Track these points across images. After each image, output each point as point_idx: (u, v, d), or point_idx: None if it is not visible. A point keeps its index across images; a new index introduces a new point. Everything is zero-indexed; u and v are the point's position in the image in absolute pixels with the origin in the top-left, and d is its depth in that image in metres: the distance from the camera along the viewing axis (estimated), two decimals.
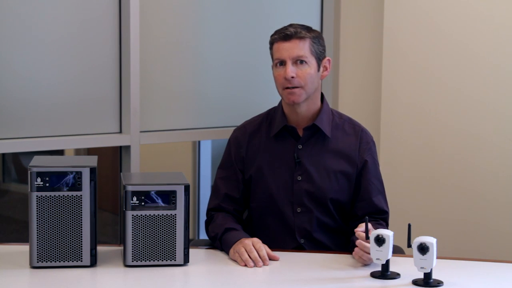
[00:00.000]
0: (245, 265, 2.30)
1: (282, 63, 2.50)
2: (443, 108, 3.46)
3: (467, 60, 3.38)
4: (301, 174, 2.55)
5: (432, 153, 3.52)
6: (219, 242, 2.47)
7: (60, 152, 4.81)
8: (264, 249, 2.34)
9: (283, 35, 2.50)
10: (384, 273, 2.21)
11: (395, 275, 2.22)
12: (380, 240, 2.17)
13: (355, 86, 3.82)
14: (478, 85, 3.36)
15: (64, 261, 2.25)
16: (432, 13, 3.48)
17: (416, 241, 2.14)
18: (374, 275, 2.22)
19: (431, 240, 2.13)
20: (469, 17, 3.36)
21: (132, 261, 2.27)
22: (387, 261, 2.20)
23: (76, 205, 2.24)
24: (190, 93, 3.46)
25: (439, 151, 3.49)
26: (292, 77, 2.47)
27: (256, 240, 2.37)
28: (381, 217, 2.58)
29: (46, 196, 2.23)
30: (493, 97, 3.32)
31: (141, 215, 2.26)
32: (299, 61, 2.49)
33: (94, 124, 3.19)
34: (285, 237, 2.57)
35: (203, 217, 4.91)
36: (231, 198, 2.60)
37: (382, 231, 2.19)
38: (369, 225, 2.29)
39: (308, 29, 2.54)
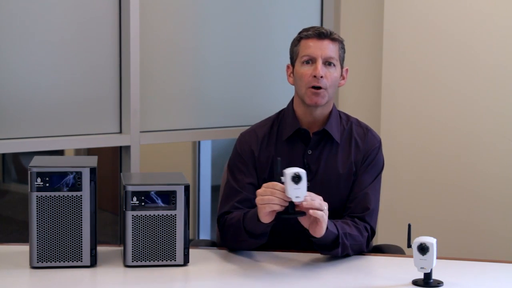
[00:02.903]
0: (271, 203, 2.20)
1: (311, 61, 2.45)
2: (443, 108, 3.47)
3: (467, 60, 3.38)
4: (310, 180, 2.47)
5: (432, 154, 3.52)
6: (243, 224, 2.35)
7: (60, 152, 4.81)
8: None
9: (318, 32, 2.46)
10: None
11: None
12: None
13: (355, 86, 3.82)
14: (478, 85, 3.36)
15: (64, 261, 2.25)
16: (432, 13, 3.48)
17: (416, 241, 2.14)
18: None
19: (431, 240, 2.12)
20: (469, 18, 3.36)
21: (132, 261, 2.27)
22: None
23: (76, 205, 2.24)
24: (190, 93, 3.46)
25: (439, 152, 3.49)
26: (321, 77, 2.42)
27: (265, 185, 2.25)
28: (360, 215, 2.47)
29: (46, 196, 2.22)
30: (493, 97, 3.32)
31: (141, 215, 2.26)
32: (327, 62, 2.45)
33: (94, 124, 3.19)
34: (295, 241, 2.52)
35: (203, 217, 4.92)
36: (248, 200, 2.49)
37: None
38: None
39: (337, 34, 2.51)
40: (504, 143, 3.29)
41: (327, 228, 2.26)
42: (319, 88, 2.43)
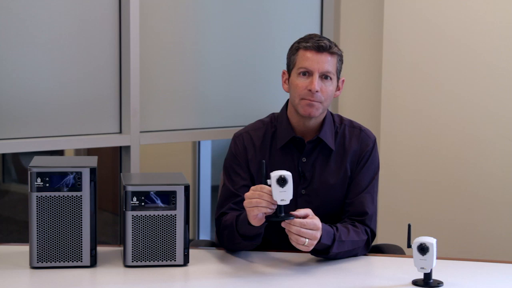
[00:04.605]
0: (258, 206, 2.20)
1: (307, 73, 2.42)
2: (443, 109, 3.47)
3: (467, 61, 3.38)
4: (305, 187, 2.49)
5: (432, 154, 3.52)
6: (236, 227, 2.36)
7: (60, 152, 4.81)
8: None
9: (317, 45, 2.41)
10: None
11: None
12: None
13: (355, 87, 3.82)
14: (478, 86, 3.36)
15: (64, 262, 2.25)
16: (432, 14, 3.48)
17: (416, 241, 2.14)
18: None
19: (431, 241, 2.13)
20: (469, 19, 3.36)
21: (132, 261, 2.27)
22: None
23: (76, 205, 2.24)
24: (190, 93, 3.46)
25: (439, 152, 3.49)
26: (316, 91, 2.40)
27: (253, 188, 2.25)
28: (360, 219, 2.47)
29: (46, 196, 2.23)
30: (493, 97, 3.32)
31: (141, 215, 2.26)
32: (324, 76, 2.42)
33: (94, 124, 3.20)
34: (289, 248, 2.51)
35: (203, 217, 4.91)
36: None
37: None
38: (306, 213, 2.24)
39: (336, 45, 2.48)
40: (504, 143, 3.29)
41: (319, 240, 2.25)
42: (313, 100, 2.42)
